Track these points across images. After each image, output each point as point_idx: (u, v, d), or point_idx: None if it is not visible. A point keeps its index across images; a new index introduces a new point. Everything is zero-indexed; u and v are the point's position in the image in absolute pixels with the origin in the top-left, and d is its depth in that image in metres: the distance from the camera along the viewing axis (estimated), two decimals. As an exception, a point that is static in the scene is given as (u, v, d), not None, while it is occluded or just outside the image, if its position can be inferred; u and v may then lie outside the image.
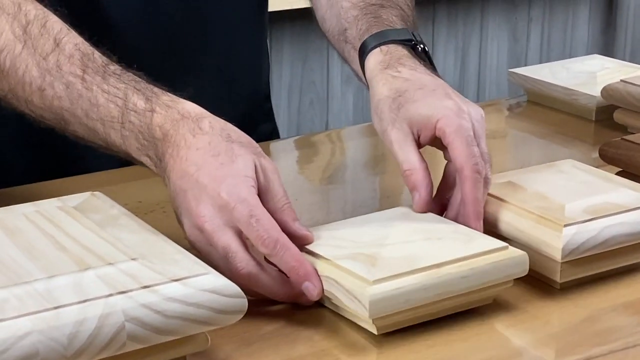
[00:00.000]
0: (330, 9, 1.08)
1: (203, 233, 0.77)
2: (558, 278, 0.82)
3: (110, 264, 0.70)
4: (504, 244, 0.79)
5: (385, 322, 0.75)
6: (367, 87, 0.95)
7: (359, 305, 0.73)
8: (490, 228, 0.86)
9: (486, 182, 0.85)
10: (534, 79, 1.33)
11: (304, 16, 1.93)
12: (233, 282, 0.70)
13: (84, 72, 0.85)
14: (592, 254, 0.83)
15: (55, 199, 0.81)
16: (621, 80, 1.21)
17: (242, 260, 0.76)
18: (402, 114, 0.88)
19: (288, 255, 0.76)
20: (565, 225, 0.82)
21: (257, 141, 0.83)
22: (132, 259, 0.71)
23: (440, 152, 0.89)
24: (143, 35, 1.10)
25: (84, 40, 0.87)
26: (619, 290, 0.84)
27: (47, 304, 0.65)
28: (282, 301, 0.79)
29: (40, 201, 0.81)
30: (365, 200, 1.06)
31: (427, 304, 0.75)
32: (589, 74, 1.32)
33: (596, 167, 0.97)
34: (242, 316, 0.70)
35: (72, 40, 0.87)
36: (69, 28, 0.88)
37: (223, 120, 0.82)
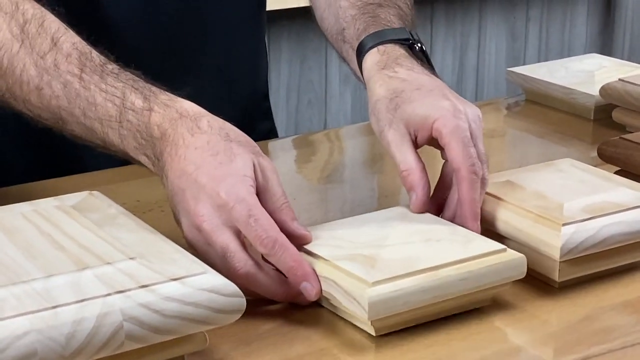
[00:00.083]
0: (328, 8, 1.08)
1: (201, 232, 0.77)
2: (557, 277, 0.82)
3: (108, 263, 0.70)
4: (502, 246, 0.79)
5: (384, 323, 0.75)
6: (365, 86, 0.95)
7: (357, 306, 0.73)
8: (489, 227, 0.86)
9: (483, 182, 0.85)
10: (532, 78, 1.33)
11: (302, 15, 1.93)
12: (231, 281, 0.70)
13: (82, 71, 0.85)
14: (591, 253, 0.83)
15: (53, 198, 0.81)
16: (619, 79, 1.21)
17: (241, 260, 0.76)
18: (399, 114, 0.88)
19: (286, 255, 0.76)
20: (564, 224, 0.82)
21: (256, 140, 0.83)
22: (130, 258, 0.71)
23: (438, 152, 0.89)
24: (141, 34, 1.10)
25: (81, 40, 0.87)
26: (618, 289, 0.84)
27: (45, 304, 0.65)
28: (280, 301, 0.79)
29: (38, 200, 0.81)
30: (363, 200, 1.06)
31: (426, 305, 0.75)
32: (587, 73, 1.32)
33: (595, 166, 0.97)
34: (240, 315, 0.70)
35: (70, 40, 0.87)
36: (67, 27, 0.88)
37: (221, 120, 0.82)
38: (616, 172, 1.00)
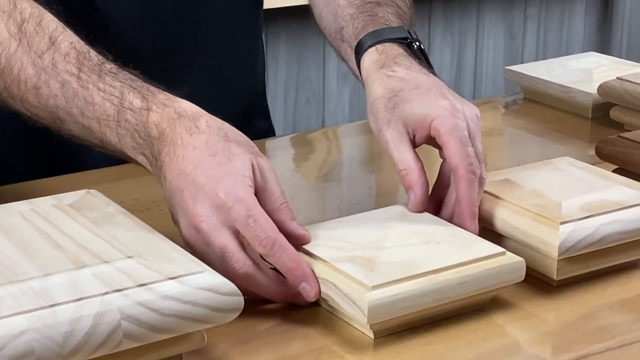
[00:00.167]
0: (327, 7, 1.08)
1: (200, 232, 0.77)
2: (555, 276, 0.82)
3: (106, 262, 0.70)
4: (501, 249, 0.79)
5: (382, 326, 0.75)
6: (364, 85, 0.95)
7: (357, 310, 0.73)
8: (487, 226, 0.86)
9: (481, 181, 0.85)
10: (530, 76, 1.33)
11: (300, 13, 1.93)
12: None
13: (80, 71, 0.85)
14: (589, 252, 0.83)
15: (51, 196, 0.81)
16: (617, 78, 1.21)
17: (239, 261, 0.76)
18: (398, 113, 0.88)
19: (285, 255, 0.76)
20: (562, 223, 0.82)
21: (253, 139, 0.83)
22: (128, 257, 0.71)
23: (436, 151, 0.88)
24: (139, 33, 1.10)
25: (79, 39, 0.87)
26: (616, 287, 0.84)
27: (43, 302, 0.64)
28: (279, 301, 0.79)
29: (36, 199, 0.81)
30: (361, 198, 1.06)
31: (425, 309, 0.75)
32: (585, 72, 1.32)
33: (593, 164, 0.97)
34: (238, 314, 0.70)
35: (68, 39, 0.87)
36: (65, 26, 0.88)
37: (220, 120, 0.82)
38: (614, 171, 1.00)
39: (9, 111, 0.91)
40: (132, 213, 0.80)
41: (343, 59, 1.06)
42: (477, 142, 0.87)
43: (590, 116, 1.26)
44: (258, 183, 0.78)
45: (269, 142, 1.24)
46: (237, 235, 0.76)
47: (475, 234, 0.83)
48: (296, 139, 1.34)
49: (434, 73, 0.94)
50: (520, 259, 0.79)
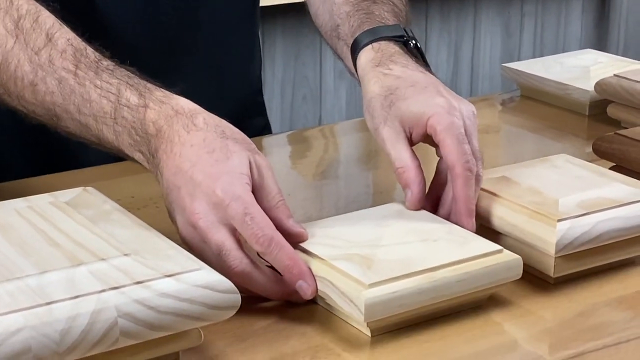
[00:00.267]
0: (323, 5, 1.08)
1: (197, 230, 0.76)
2: (552, 273, 0.82)
3: (102, 259, 0.70)
4: (498, 247, 0.79)
5: (379, 324, 0.75)
6: (360, 84, 0.95)
7: (354, 308, 0.73)
8: (484, 223, 0.86)
9: (478, 179, 0.85)
10: (527, 73, 1.33)
11: (297, 11, 1.93)
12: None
13: (77, 68, 0.85)
14: (586, 249, 0.83)
15: (48, 194, 0.81)
16: (614, 75, 1.21)
17: (236, 258, 0.76)
18: (394, 111, 0.88)
19: (282, 253, 0.76)
20: (559, 220, 0.82)
21: (249, 136, 0.82)
22: (125, 255, 0.70)
23: (432, 149, 0.88)
24: (137, 32, 1.10)
25: (76, 36, 0.87)
26: (613, 285, 0.84)
27: (40, 300, 0.64)
28: (276, 299, 0.79)
29: (32, 196, 0.81)
30: (358, 196, 1.06)
31: (422, 307, 0.75)
32: (582, 69, 1.32)
33: (590, 161, 0.97)
34: (235, 312, 0.70)
35: (65, 36, 0.87)
36: (61, 23, 0.88)
37: (217, 117, 0.81)
38: (611, 168, 1.00)
39: (6, 109, 0.91)
40: (129, 210, 0.79)
41: (339, 57, 1.06)
42: (473, 140, 0.86)
43: (587, 113, 1.26)
44: (255, 181, 0.78)
45: (266, 140, 1.24)
46: (234, 233, 0.76)
47: (472, 231, 0.83)
48: (293, 137, 1.34)
49: (430, 71, 0.94)
50: (518, 256, 0.79)
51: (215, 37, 1.17)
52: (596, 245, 0.83)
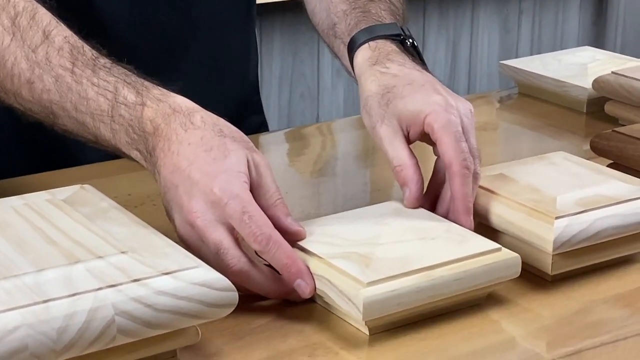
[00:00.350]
0: (319, 3, 1.08)
1: (194, 229, 0.76)
2: (550, 270, 0.82)
3: (99, 257, 0.70)
4: (497, 245, 0.79)
5: (378, 322, 0.75)
6: (357, 82, 0.95)
7: (352, 306, 0.73)
8: (482, 221, 0.86)
9: (475, 177, 0.85)
10: (525, 70, 1.33)
11: (294, 8, 1.93)
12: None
13: (74, 65, 0.84)
14: (584, 246, 0.83)
15: (45, 191, 0.81)
16: (612, 72, 1.21)
17: (234, 257, 0.76)
18: (391, 110, 0.88)
19: (280, 252, 0.76)
20: (557, 218, 0.81)
21: (246, 134, 0.82)
22: (122, 252, 0.70)
23: (430, 147, 0.88)
24: (133, 29, 1.10)
25: (73, 33, 0.87)
26: (610, 282, 0.84)
27: (37, 298, 0.64)
28: (274, 298, 0.79)
29: (29, 194, 0.80)
30: (356, 194, 1.06)
31: (420, 305, 0.75)
32: (580, 66, 1.32)
33: (587, 159, 0.97)
34: (232, 310, 0.70)
35: (62, 33, 0.86)
36: (58, 21, 0.87)
37: (215, 115, 0.81)
38: (609, 165, 1.00)
39: (3, 107, 0.91)
40: (126, 208, 0.79)
41: (336, 56, 1.05)
42: (471, 138, 0.86)
43: (585, 111, 1.26)
44: (253, 179, 0.78)
45: (263, 137, 1.24)
46: (232, 231, 0.76)
47: (470, 229, 0.83)
48: (290, 134, 1.34)
49: (427, 69, 0.94)
50: (516, 255, 0.79)
51: (211, 35, 1.17)
52: (594, 243, 0.83)
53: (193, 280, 0.68)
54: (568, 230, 0.81)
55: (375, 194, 1.06)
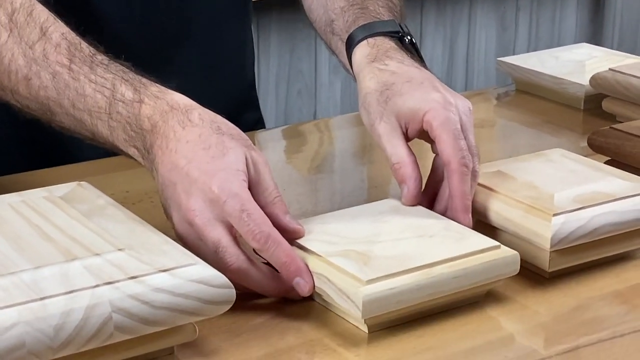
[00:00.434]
0: None
1: (193, 227, 0.76)
2: (547, 267, 0.82)
3: (97, 254, 0.69)
4: (495, 243, 0.79)
5: (377, 320, 0.74)
6: (355, 79, 0.95)
7: (351, 304, 0.73)
8: (480, 218, 0.86)
9: (474, 175, 0.85)
10: (523, 67, 1.33)
11: (292, 5, 1.93)
12: (222, 274, 0.70)
13: (71, 62, 0.84)
14: (581, 243, 0.83)
15: (42, 188, 0.81)
16: (610, 69, 1.21)
17: (233, 255, 0.75)
18: (390, 107, 0.88)
19: (279, 250, 0.76)
20: (554, 215, 0.81)
21: (242, 131, 0.82)
22: (119, 250, 0.70)
23: (428, 145, 0.88)
24: (128, 25, 1.10)
25: (70, 30, 0.87)
26: (608, 279, 0.84)
27: (34, 295, 0.64)
28: (272, 296, 0.79)
29: (26, 191, 0.80)
30: (353, 190, 1.06)
31: (419, 303, 0.75)
32: (577, 63, 1.32)
33: (585, 156, 0.97)
34: (230, 307, 0.70)
35: (59, 29, 0.86)
36: (56, 17, 0.87)
37: (213, 112, 0.81)
38: (606, 162, 1.00)
39: (0, 104, 0.90)
40: (123, 205, 0.79)
41: (333, 52, 1.05)
42: (469, 136, 0.86)
43: (582, 107, 1.26)
44: (252, 177, 0.78)
45: (261, 134, 1.24)
46: (231, 229, 0.76)
47: (469, 227, 0.83)
48: (288, 131, 1.34)
49: (425, 67, 0.94)
50: (515, 252, 0.78)
51: (207, 31, 1.16)
52: (591, 240, 0.83)
53: (190, 277, 0.68)
54: (565, 227, 0.81)
55: (373, 191, 1.06)
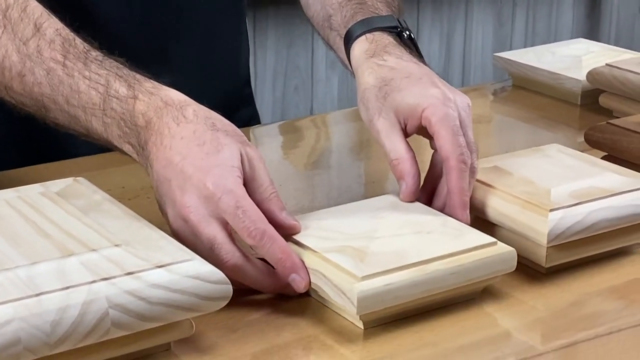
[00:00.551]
0: (314, -5, 1.08)
1: (188, 223, 0.76)
2: (544, 263, 0.82)
3: (93, 250, 0.69)
4: (492, 239, 0.79)
5: (372, 317, 0.74)
6: (353, 74, 0.95)
7: (346, 301, 0.73)
8: (477, 213, 0.86)
9: (472, 171, 0.85)
10: (519, 63, 1.33)
11: (288, 0, 1.93)
12: (217, 270, 0.70)
13: (65, 58, 0.84)
14: (578, 239, 0.83)
15: (38, 184, 0.81)
16: (606, 64, 1.21)
17: (228, 252, 0.75)
18: (389, 103, 0.88)
19: (275, 247, 0.75)
20: (551, 210, 0.81)
21: (237, 127, 0.82)
22: (116, 245, 0.70)
23: (427, 141, 0.88)
24: (122, 21, 1.10)
25: (64, 26, 0.87)
26: (605, 274, 0.84)
27: (30, 291, 0.64)
28: (268, 292, 0.79)
29: (23, 187, 0.80)
30: (350, 186, 1.06)
31: (415, 299, 0.75)
32: (574, 58, 1.32)
33: (582, 151, 0.97)
34: (226, 303, 0.70)
35: (53, 26, 0.86)
36: (50, 13, 0.87)
37: (207, 109, 0.81)
38: (603, 158, 1.00)
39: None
40: (120, 201, 0.79)
41: (331, 48, 1.05)
42: (468, 132, 0.86)
43: (579, 103, 1.26)
44: (247, 173, 0.78)
45: (257, 130, 1.24)
46: (226, 226, 0.76)
47: (466, 224, 0.83)
48: (284, 127, 1.33)
49: (424, 62, 0.93)
50: (512, 249, 0.78)
51: (201, 27, 1.16)
52: (588, 235, 0.83)
53: (187, 273, 0.68)
54: (562, 223, 0.81)
55: (370, 187, 1.06)
